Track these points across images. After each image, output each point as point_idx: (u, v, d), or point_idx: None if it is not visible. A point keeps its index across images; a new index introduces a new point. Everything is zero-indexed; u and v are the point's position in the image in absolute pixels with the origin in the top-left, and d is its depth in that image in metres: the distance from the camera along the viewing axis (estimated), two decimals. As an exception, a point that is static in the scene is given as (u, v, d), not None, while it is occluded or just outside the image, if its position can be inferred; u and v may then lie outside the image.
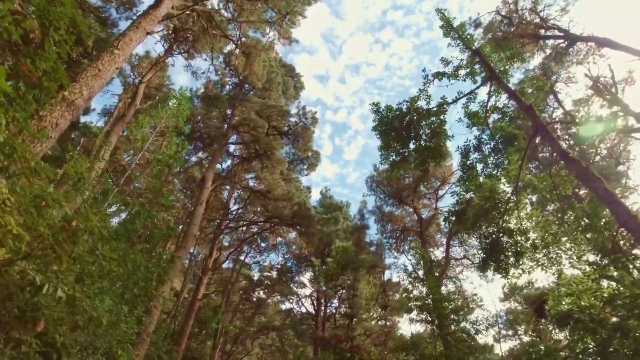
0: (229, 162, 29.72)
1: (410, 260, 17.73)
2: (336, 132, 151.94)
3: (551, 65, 15.06)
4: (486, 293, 52.49)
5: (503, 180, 7.69)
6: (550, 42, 15.64)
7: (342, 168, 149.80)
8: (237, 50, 23.11)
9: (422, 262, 16.05)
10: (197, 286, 23.28)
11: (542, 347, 10.84)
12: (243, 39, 20.61)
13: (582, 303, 7.60)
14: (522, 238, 7.63)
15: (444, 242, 25.39)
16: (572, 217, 7.90)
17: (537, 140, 8.24)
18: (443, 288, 16.62)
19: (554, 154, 7.11)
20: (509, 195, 7.54)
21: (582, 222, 7.77)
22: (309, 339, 28.75)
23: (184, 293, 29.93)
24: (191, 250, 37.69)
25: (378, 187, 26.79)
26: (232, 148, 27.78)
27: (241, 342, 35.10)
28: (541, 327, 22.47)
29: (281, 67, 29.46)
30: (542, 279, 33.12)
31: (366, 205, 27.80)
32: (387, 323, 21.41)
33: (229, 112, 26.43)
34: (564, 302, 8.18)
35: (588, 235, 7.68)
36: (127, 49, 11.78)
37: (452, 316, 13.34)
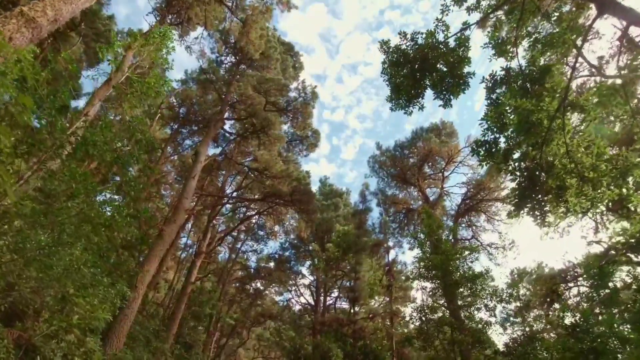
0: (225, 147, 28.47)
1: (417, 237, 16.45)
2: (334, 132, 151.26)
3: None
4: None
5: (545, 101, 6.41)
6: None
7: (340, 167, 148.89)
8: (233, 18, 21.90)
9: (428, 232, 14.74)
10: (189, 269, 21.95)
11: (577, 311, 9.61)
12: (238, 1, 19.35)
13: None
14: (567, 169, 6.37)
15: (451, 225, 24.13)
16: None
17: (597, 26, 7.00)
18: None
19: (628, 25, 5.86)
20: (552, 116, 6.27)
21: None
22: (308, 330, 27.45)
23: (178, 286, 28.62)
24: (186, 241, 36.45)
25: (381, 168, 25.53)
26: (228, 127, 26.52)
27: (237, 334, 33.73)
28: (552, 313, 21.18)
29: (280, 44, 28.19)
30: (554, 260, 31.83)
31: (368, 188, 26.53)
32: (393, 307, 20.13)
33: (224, 90, 25.16)
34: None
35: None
36: (105, -20, 10.48)
37: (467, 283, 12.10)
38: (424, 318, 12.39)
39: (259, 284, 34.46)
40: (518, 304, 24.58)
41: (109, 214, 5.94)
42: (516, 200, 7.18)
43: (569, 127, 6.38)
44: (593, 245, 19.64)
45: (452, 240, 20.23)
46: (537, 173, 6.70)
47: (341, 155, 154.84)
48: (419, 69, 9.37)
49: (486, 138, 6.98)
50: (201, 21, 20.09)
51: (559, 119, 6.37)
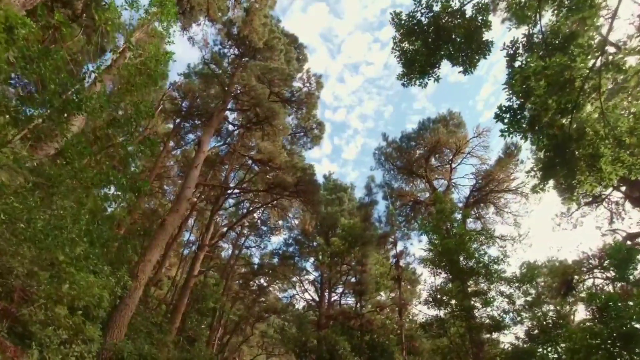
0: (228, 139, 28.08)
1: (428, 222, 15.91)
2: (335, 132, 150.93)
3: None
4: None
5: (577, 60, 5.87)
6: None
7: (341, 167, 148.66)
8: (236, 6, 21.51)
9: (440, 216, 14.19)
10: (192, 262, 21.53)
11: (603, 295, 9.10)
12: (242, -13, 18.93)
13: None
14: (600, 135, 5.85)
15: (459, 218, 23.56)
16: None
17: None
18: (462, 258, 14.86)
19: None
20: (585, 76, 5.74)
21: None
22: (313, 326, 26.96)
23: (181, 282, 28.21)
24: (189, 237, 36.05)
25: (387, 160, 24.98)
26: (232, 120, 26.11)
27: (241, 331, 33.28)
28: (565, 307, 20.50)
29: (283, 35, 27.73)
30: (568, 252, 31.13)
31: (374, 180, 25.97)
32: (402, 298, 19.55)
33: (227, 82, 24.73)
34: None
35: None
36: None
37: (482, 270, 11.56)
38: (438, 303, 11.85)
39: (262, 281, 34.02)
40: (529, 298, 23.89)
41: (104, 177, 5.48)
42: (542, 172, 6.66)
43: (603, 87, 5.87)
44: (608, 235, 19.05)
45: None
46: (566, 141, 6.19)
47: (343, 155, 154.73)
48: (433, 40, 8.88)
49: (511, 104, 6.46)
50: (203, 7, 19.66)
51: (592, 79, 5.87)
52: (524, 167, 22.07)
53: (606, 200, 18.23)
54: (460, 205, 23.95)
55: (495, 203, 22.98)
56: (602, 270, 18.04)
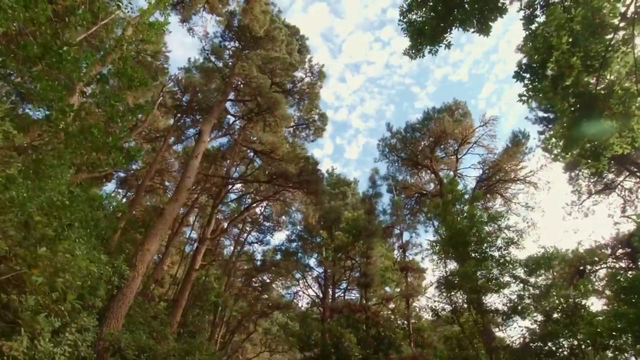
0: (228, 131, 27.69)
1: (438, 206, 15.40)
2: (337, 132, 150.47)
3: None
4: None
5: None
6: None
7: (343, 167, 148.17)
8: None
9: (452, 199, 13.65)
10: (194, 256, 21.08)
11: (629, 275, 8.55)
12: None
13: None
14: (632, 92, 5.35)
15: (466, 210, 22.98)
16: None
17: None
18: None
19: None
20: (615, 27, 5.25)
21: None
22: (317, 322, 26.45)
23: (182, 277, 27.77)
24: (190, 233, 35.63)
25: (391, 151, 24.45)
26: (233, 111, 25.69)
27: (244, 328, 32.84)
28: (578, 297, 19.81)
29: (284, 26, 27.30)
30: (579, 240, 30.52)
31: (378, 173, 25.40)
32: (409, 289, 18.99)
33: (228, 73, 24.32)
34: None
35: None
36: None
37: (495, 253, 11.03)
38: (450, 287, 11.32)
39: (265, 277, 33.56)
40: (536, 291, 23.22)
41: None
42: (566, 137, 6.15)
43: (637, 39, 5.36)
44: (621, 223, 18.42)
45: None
46: (592, 101, 5.68)
47: (345, 155, 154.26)
48: (443, 5, 8.40)
49: (532, 64, 5.94)
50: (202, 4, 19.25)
51: (623, 29, 5.37)
52: (533, 155, 21.50)
53: (619, 187, 17.62)
54: (467, 196, 23.41)
55: (503, 194, 22.42)
56: (615, 260, 17.48)
